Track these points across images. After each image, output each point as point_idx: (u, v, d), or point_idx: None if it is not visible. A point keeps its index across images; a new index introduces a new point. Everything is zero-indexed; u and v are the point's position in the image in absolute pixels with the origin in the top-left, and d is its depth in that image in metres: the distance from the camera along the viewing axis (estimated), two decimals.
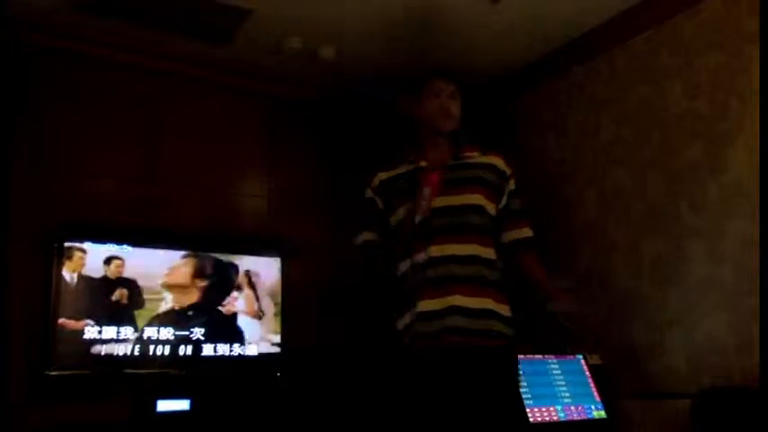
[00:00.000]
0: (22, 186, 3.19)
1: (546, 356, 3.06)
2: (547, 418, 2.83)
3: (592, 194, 3.48)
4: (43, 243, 3.22)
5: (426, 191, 2.24)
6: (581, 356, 3.16)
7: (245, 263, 3.68)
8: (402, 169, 2.41)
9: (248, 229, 3.83)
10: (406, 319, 2.24)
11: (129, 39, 3.53)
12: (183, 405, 3.29)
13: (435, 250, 2.18)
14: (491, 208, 2.28)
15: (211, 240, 3.66)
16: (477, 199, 2.24)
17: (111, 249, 3.34)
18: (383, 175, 2.47)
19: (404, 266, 2.28)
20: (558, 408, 2.89)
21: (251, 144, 3.94)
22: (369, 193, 2.46)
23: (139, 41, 3.55)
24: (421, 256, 2.20)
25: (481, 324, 2.13)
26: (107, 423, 3.16)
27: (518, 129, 4.00)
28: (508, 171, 2.35)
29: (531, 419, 2.78)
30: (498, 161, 2.35)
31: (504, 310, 2.22)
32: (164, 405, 3.24)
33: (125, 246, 3.38)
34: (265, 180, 3.95)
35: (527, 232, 2.38)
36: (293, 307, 3.76)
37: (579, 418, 2.93)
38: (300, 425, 3.52)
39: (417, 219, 2.20)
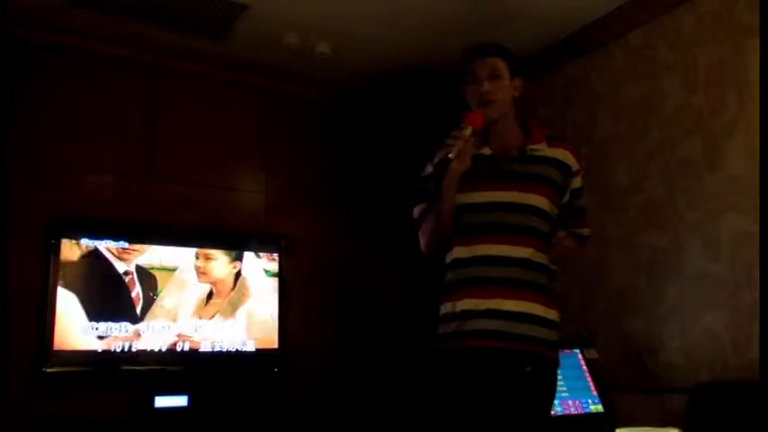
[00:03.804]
0: (19, 183, 3.19)
1: None
2: None
3: (589, 190, 3.42)
4: (41, 239, 3.22)
5: (467, 131, 1.95)
6: (578, 351, 3.16)
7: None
8: None
9: (245, 225, 3.83)
10: (443, 310, 2.09)
11: (126, 34, 3.52)
12: (180, 401, 3.29)
13: (483, 248, 2.01)
14: (551, 209, 2.06)
15: (209, 236, 3.65)
16: (536, 200, 2.03)
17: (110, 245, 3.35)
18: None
19: (447, 257, 2.11)
20: (556, 402, 2.89)
21: (248, 140, 3.94)
22: (428, 169, 2.14)
23: (136, 37, 3.54)
24: (465, 252, 2.04)
25: (519, 328, 1.97)
26: (106, 419, 3.16)
27: None
28: (575, 167, 2.10)
29: None
30: (565, 155, 2.10)
31: (550, 314, 2.03)
32: (162, 401, 3.25)
33: (122, 242, 3.38)
34: (262, 176, 3.95)
35: (587, 231, 2.22)
36: (290, 303, 3.77)
37: (576, 413, 2.93)
38: (299, 421, 3.53)
39: (445, 158, 1.93)
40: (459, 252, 2.06)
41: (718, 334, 2.79)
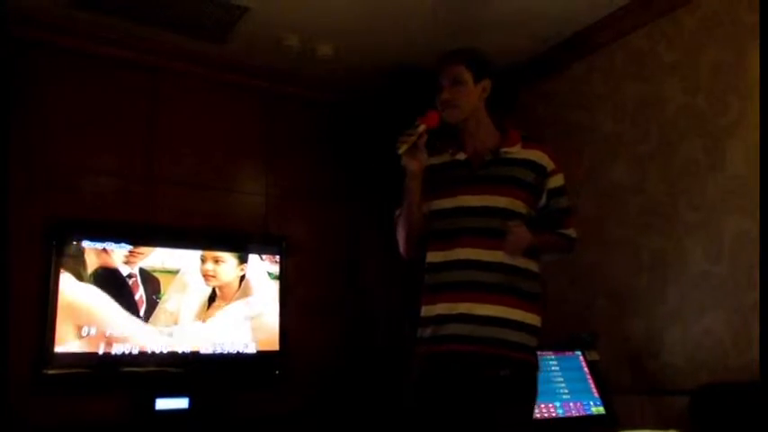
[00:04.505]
0: (19, 185, 3.19)
1: (544, 353, 3.05)
2: (546, 415, 2.83)
3: (590, 191, 3.48)
4: (42, 241, 3.22)
5: (420, 128, 2.02)
6: (579, 352, 3.15)
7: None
8: (441, 159, 2.17)
9: (246, 227, 3.83)
10: (422, 313, 2.11)
11: (126, 36, 3.53)
12: (182, 403, 3.29)
13: (455, 253, 2.03)
14: (525, 210, 2.06)
15: (210, 238, 3.66)
16: (508, 202, 2.04)
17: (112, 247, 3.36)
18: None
19: (425, 261, 2.13)
20: (557, 404, 2.89)
21: (249, 142, 3.94)
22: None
23: (137, 39, 3.55)
24: (439, 256, 2.07)
25: (492, 332, 1.98)
26: (106, 421, 3.17)
27: (515, 126, 3.98)
28: (550, 167, 2.11)
29: None
30: (539, 155, 2.10)
31: (528, 318, 2.04)
32: (162, 403, 3.25)
33: (123, 244, 3.38)
34: (263, 177, 3.95)
35: (572, 233, 2.17)
36: (291, 305, 3.77)
37: (578, 415, 2.92)
38: (300, 423, 3.53)
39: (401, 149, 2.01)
40: (434, 257, 2.09)
41: (719, 335, 2.79)
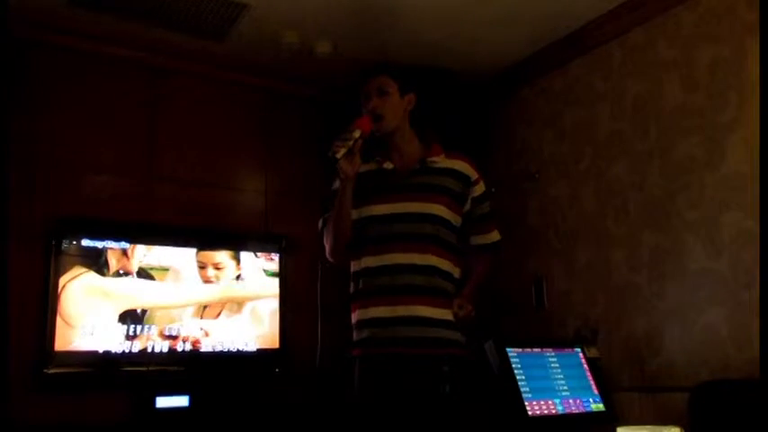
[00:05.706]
0: (19, 183, 3.18)
1: (544, 350, 3.06)
2: (545, 412, 2.83)
3: (590, 188, 3.48)
4: (41, 240, 3.22)
5: (355, 133, 2.11)
6: (579, 349, 3.16)
7: None
8: (367, 167, 2.29)
9: (246, 225, 3.83)
10: (356, 317, 2.20)
11: (125, 34, 3.52)
12: (182, 401, 3.29)
13: (390, 258, 2.12)
14: (453, 219, 2.21)
15: (209, 236, 3.65)
16: (439, 209, 2.16)
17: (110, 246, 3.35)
18: None
19: (355, 266, 2.22)
20: (557, 401, 2.89)
21: (248, 140, 3.94)
22: (336, 184, 2.26)
23: (136, 37, 3.54)
24: (373, 261, 2.15)
25: (434, 332, 2.10)
26: (107, 420, 3.16)
27: (515, 124, 3.99)
28: (473, 176, 2.25)
29: (529, 413, 2.78)
30: (463, 166, 2.24)
31: (450, 316, 2.16)
32: (163, 401, 3.25)
33: (123, 242, 3.38)
34: (263, 175, 3.95)
35: (495, 236, 2.36)
36: (291, 303, 3.76)
37: (577, 411, 2.92)
38: (300, 422, 3.53)
39: (333, 158, 2.09)
40: (369, 262, 2.17)
41: (719, 332, 2.79)
